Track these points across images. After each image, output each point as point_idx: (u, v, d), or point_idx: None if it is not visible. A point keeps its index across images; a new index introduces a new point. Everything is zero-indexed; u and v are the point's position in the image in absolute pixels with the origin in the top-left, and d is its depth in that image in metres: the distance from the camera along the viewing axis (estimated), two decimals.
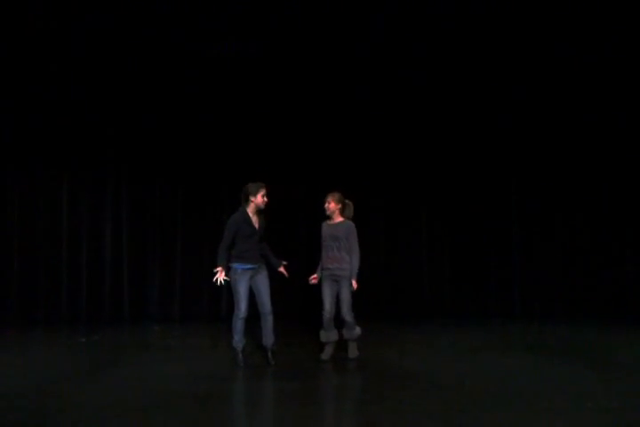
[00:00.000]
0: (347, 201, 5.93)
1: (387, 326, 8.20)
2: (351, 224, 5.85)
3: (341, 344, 5.92)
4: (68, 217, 8.69)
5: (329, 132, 9.09)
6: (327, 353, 5.86)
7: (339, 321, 5.85)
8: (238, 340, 5.60)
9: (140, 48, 8.47)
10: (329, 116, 9.08)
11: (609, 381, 5.01)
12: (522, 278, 9.46)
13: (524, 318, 9.18)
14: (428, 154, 9.41)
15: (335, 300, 5.82)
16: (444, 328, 8.33)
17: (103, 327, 8.18)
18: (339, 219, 5.88)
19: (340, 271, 5.73)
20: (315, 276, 5.91)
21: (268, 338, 5.65)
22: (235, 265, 5.54)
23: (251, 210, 5.61)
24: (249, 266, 5.53)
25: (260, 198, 5.58)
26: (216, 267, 5.41)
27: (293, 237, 8.88)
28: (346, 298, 5.75)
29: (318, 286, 5.88)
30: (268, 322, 5.62)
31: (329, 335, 5.85)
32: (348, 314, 5.75)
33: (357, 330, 5.88)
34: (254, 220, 5.60)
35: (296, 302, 8.67)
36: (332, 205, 5.84)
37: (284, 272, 5.82)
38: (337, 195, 5.88)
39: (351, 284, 5.73)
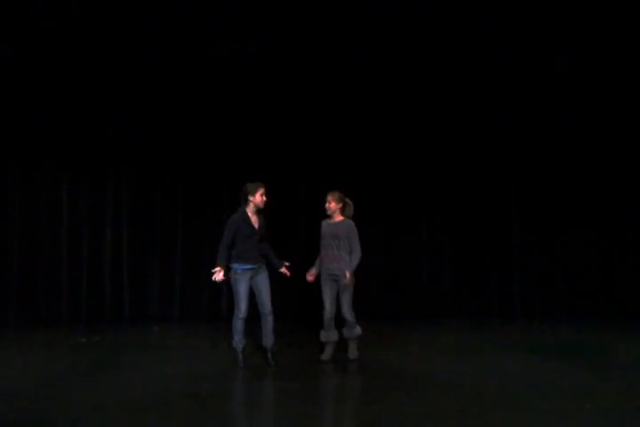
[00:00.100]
0: (347, 200, 5.94)
1: (387, 326, 8.20)
2: (351, 223, 5.85)
3: (341, 345, 5.92)
4: (68, 217, 8.69)
5: (329, 132, 9.09)
6: (327, 354, 5.86)
7: (339, 321, 5.85)
8: (238, 340, 5.60)
9: (140, 48, 8.46)
10: (329, 117, 9.08)
11: (608, 381, 5.02)
12: (522, 278, 9.46)
13: (524, 318, 9.18)
14: (428, 154, 9.41)
15: (335, 299, 5.82)
16: (444, 328, 8.33)
17: (103, 328, 8.18)
18: (339, 218, 5.89)
19: (339, 271, 5.71)
20: (312, 272, 5.89)
21: (268, 338, 5.65)
22: (235, 265, 5.54)
23: (250, 210, 5.61)
24: (249, 266, 5.53)
25: (258, 198, 5.58)
26: (215, 266, 5.42)
27: (293, 237, 8.87)
28: (346, 297, 5.76)
29: (318, 287, 5.87)
30: (268, 322, 5.61)
31: (329, 335, 5.85)
32: (348, 313, 5.76)
33: (357, 329, 5.88)
34: (254, 220, 5.61)
35: (296, 303, 8.66)
36: (332, 205, 5.84)
37: (287, 272, 5.81)
38: (337, 194, 5.88)
39: (351, 283, 5.73)
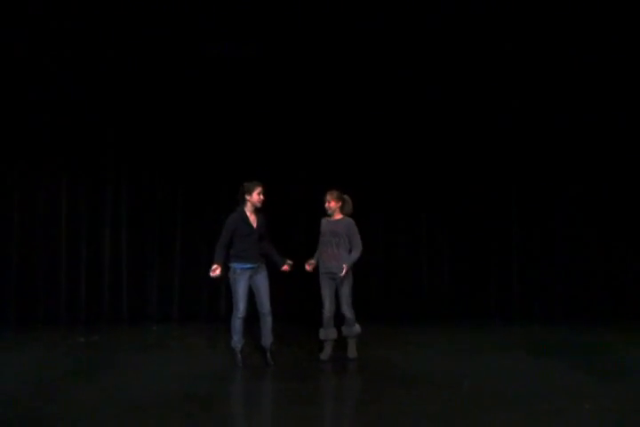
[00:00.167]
0: (345, 197, 5.96)
1: (386, 326, 8.19)
2: (351, 221, 5.88)
3: (341, 344, 5.92)
4: (68, 217, 8.67)
5: (328, 132, 9.07)
6: (326, 353, 5.85)
7: (338, 320, 5.84)
8: (237, 340, 5.59)
9: (140, 48, 8.45)
10: (328, 116, 9.05)
11: (608, 381, 5.01)
12: (522, 279, 9.44)
13: (524, 318, 9.16)
14: (428, 153, 9.39)
15: (335, 298, 5.82)
16: (444, 328, 8.32)
17: (102, 327, 8.17)
18: (339, 216, 5.91)
19: (337, 269, 5.71)
20: (312, 262, 5.87)
21: (267, 338, 5.65)
22: (233, 265, 5.54)
23: (248, 209, 5.61)
24: (248, 265, 5.53)
25: (255, 196, 5.58)
26: (212, 265, 5.41)
27: (292, 237, 8.86)
28: (345, 294, 5.76)
29: (317, 286, 5.87)
30: (266, 322, 5.61)
31: (327, 333, 5.85)
32: (347, 310, 5.76)
33: (357, 327, 5.88)
34: (252, 219, 5.61)
35: (295, 302, 8.65)
36: (332, 204, 5.88)
37: (288, 269, 5.79)
38: (335, 193, 5.91)
39: (349, 279, 5.73)
